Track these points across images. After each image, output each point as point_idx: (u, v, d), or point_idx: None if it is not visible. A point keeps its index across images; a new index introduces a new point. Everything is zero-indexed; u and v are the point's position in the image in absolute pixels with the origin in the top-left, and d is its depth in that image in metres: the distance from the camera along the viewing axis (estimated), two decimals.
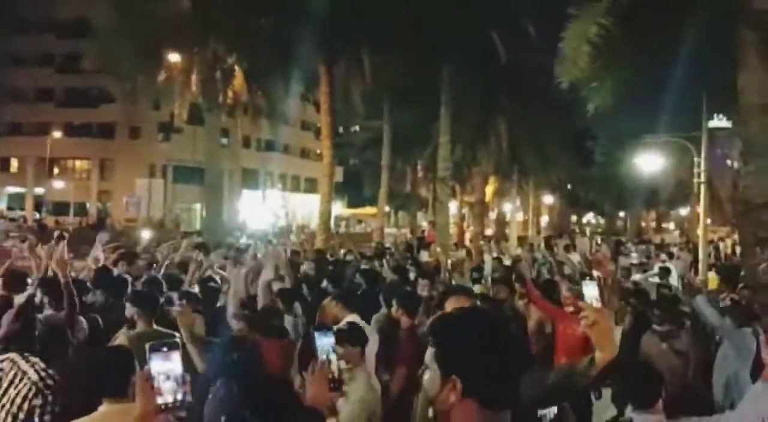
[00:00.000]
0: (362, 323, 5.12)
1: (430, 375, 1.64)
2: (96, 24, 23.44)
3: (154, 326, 4.60)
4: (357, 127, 42.49)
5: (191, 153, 38.76)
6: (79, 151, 48.91)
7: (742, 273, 9.16)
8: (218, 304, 6.32)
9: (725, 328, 5.21)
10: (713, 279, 11.68)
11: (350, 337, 3.97)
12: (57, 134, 47.01)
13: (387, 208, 35.04)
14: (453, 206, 35.36)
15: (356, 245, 16.37)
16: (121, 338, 4.48)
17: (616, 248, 18.97)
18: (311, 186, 54.36)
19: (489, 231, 39.24)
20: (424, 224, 42.20)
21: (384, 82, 21.82)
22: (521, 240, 31.84)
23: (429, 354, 1.75)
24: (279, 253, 7.35)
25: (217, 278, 7.50)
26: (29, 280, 6.15)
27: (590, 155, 42.21)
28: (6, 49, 48.67)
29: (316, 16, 17.74)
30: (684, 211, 44.18)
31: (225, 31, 20.79)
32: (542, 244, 16.60)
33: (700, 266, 16.11)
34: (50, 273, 6.39)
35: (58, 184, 47.65)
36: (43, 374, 3.27)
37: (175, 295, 5.58)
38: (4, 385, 3.22)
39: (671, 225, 58.23)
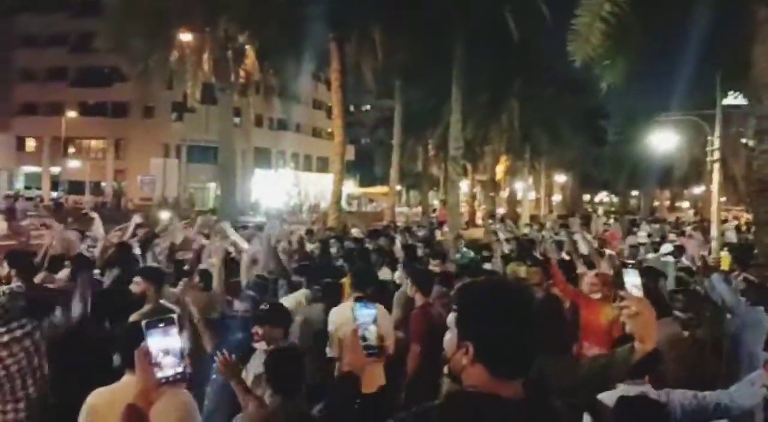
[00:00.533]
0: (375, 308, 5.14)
1: (449, 336, 1.68)
2: (107, 3, 23.44)
3: (162, 301, 4.72)
4: (368, 106, 42.52)
5: (204, 132, 38.96)
6: (94, 130, 49.25)
7: (755, 251, 9.17)
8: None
9: (740, 307, 5.21)
10: (725, 258, 11.66)
11: (271, 317, 3.92)
12: (72, 113, 47.31)
13: (398, 187, 35.12)
14: (464, 185, 35.39)
15: (368, 224, 16.51)
16: (134, 317, 4.60)
17: (629, 227, 18.93)
18: (323, 165, 54.45)
19: (500, 211, 39.21)
20: (436, 203, 42.28)
21: (395, 61, 21.77)
22: (533, 220, 31.84)
23: (452, 316, 1.81)
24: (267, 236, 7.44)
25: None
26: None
27: (603, 134, 41.89)
28: (18, 29, 48.87)
29: None
30: (698, 190, 43.77)
31: (236, 9, 20.76)
32: (548, 223, 16.63)
33: (713, 245, 16.06)
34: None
35: (74, 164, 48.10)
36: None
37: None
38: None
39: (685, 204, 57.79)
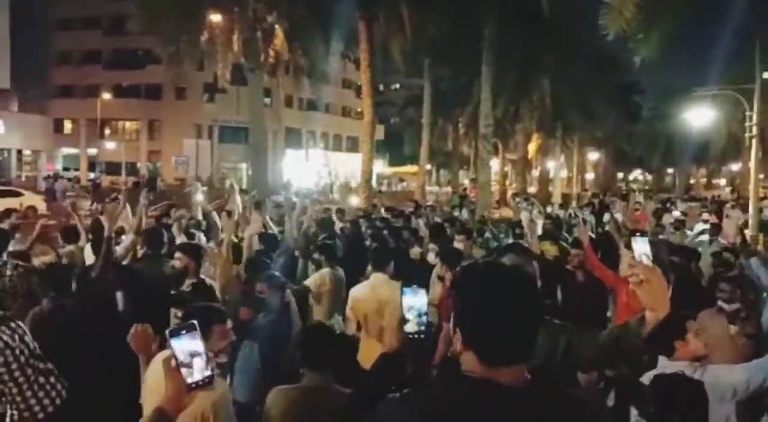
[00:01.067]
0: (391, 282, 5.14)
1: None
2: None
3: (202, 276, 4.88)
4: (397, 85, 42.32)
5: (235, 113, 39.28)
6: (128, 112, 50.14)
7: None
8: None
9: None
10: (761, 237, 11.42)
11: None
12: (107, 96, 48.22)
13: (428, 166, 35.08)
14: (495, 164, 35.13)
15: (397, 204, 16.56)
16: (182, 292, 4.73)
17: (663, 206, 18.59)
18: (353, 145, 54.55)
19: (532, 189, 38.89)
20: (466, 182, 42.12)
21: (424, 38, 21.58)
22: (565, 198, 31.55)
23: None
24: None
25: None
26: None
27: (637, 110, 40.96)
28: (54, 12, 49.76)
29: None
30: (735, 167, 42.63)
31: None
32: (573, 203, 16.41)
33: (750, 223, 15.72)
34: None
35: (110, 145, 49.12)
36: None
37: None
38: None
39: (722, 182, 56.42)
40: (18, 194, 23.85)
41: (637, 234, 2.02)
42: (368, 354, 4.89)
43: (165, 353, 2.79)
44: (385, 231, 8.51)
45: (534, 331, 1.54)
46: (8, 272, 4.42)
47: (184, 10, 20.88)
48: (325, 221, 9.58)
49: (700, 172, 55.10)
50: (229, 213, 7.82)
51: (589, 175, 51.76)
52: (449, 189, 38.43)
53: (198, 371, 1.71)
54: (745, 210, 16.96)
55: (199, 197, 8.76)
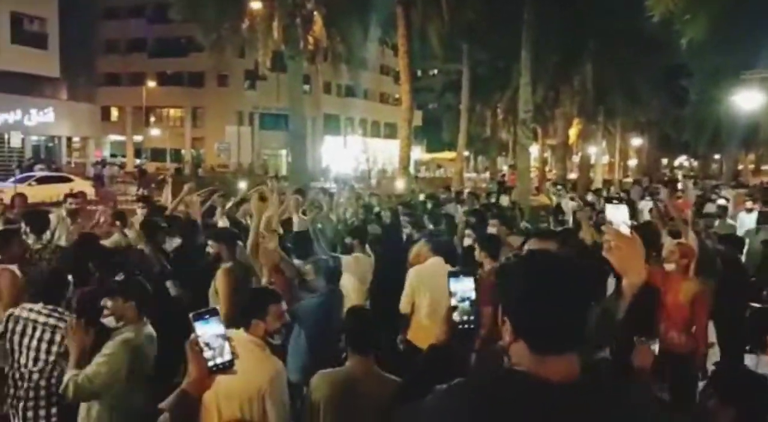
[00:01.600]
0: (446, 266, 5.32)
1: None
2: None
3: (237, 257, 5.10)
4: (435, 71, 42.11)
5: (276, 100, 39.80)
6: (172, 99, 51.25)
7: None
8: None
9: None
10: None
11: (124, 290, 3.56)
12: (151, 84, 49.38)
13: (466, 153, 34.90)
14: (534, 149, 34.71)
15: (436, 190, 16.57)
16: (219, 273, 4.92)
17: (707, 193, 18.10)
18: (391, 131, 54.60)
19: (572, 175, 38.34)
20: (505, 168, 41.77)
21: (462, 23, 21.41)
22: (607, 184, 31.06)
23: None
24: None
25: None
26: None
27: (683, 93, 39.74)
28: (100, 2, 50.98)
29: None
30: None
31: None
32: (612, 189, 16.04)
33: None
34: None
35: (155, 132, 50.38)
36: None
37: None
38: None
39: None
40: (68, 180, 24.74)
41: (614, 200, 1.90)
42: (418, 335, 5.12)
43: (257, 356, 2.98)
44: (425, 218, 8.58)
45: (585, 318, 1.50)
46: (47, 255, 4.61)
47: None
48: (367, 207, 9.74)
49: (748, 157, 53.23)
50: (262, 198, 8.04)
51: (632, 162, 50.68)
52: (487, 175, 38.20)
53: (220, 354, 1.75)
54: None
55: (241, 185, 8.91)
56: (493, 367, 1.71)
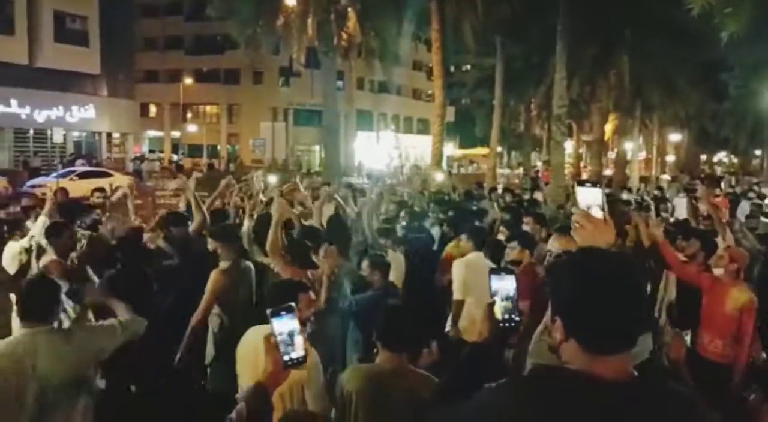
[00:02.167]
0: (487, 261, 5.45)
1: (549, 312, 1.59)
2: None
3: (237, 258, 4.97)
4: (468, 66, 41.87)
5: (309, 96, 40.17)
6: (209, 96, 52.09)
7: None
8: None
9: None
10: None
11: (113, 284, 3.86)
12: (188, 80, 50.28)
13: (499, 148, 34.69)
14: (569, 145, 34.30)
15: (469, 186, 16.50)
16: (212, 274, 4.77)
17: (746, 190, 17.70)
18: (424, 127, 54.53)
19: (608, 172, 37.76)
20: (539, 164, 41.36)
21: (496, 16, 21.28)
22: (643, 181, 30.53)
23: None
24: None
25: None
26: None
27: (723, 88, 38.75)
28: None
29: None
30: None
31: None
32: (643, 186, 15.70)
33: None
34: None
35: (192, 128, 51.28)
36: None
37: None
38: None
39: None
40: (108, 175, 25.41)
41: (587, 184, 1.90)
42: (467, 327, 5.23)
43: (261, 329, 3.14)
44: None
45: (639, 317, 1.48)
46: (83, 240, 4.81)
47: None
48: (401, 204, 9.81)
49: None
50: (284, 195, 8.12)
51: (670, 158, 49.64)
52: (521, 171, 37.85)
53: (294, 350, 1.83)
54: None
55: (271, 179, 8.81)
56: (543, 366, 1.67)
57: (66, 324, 3.38)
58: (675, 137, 44.83)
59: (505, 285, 2.02)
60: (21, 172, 28.26)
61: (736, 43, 18.59)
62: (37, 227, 5.06)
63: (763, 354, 5.05)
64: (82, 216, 6.30)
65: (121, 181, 24.82)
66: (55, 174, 24.68)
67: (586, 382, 1.40)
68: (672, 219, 9.71)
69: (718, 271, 4.75)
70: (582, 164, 38.95)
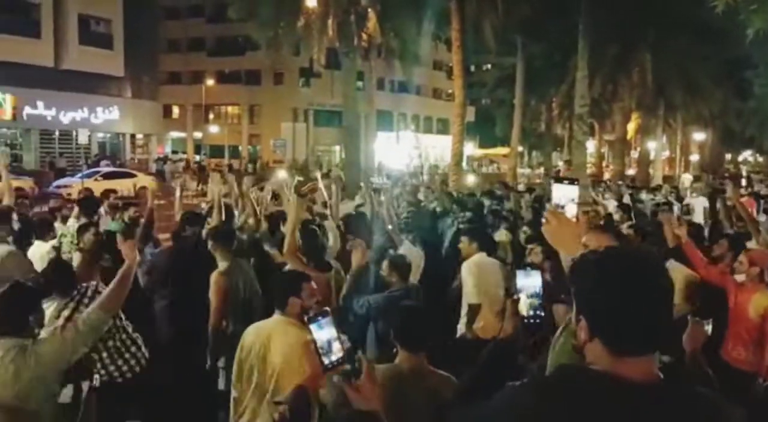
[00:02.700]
0: (491, 260, 5.46)
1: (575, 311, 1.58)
2: None
3: (234, 258, 5.00)
4: (489, 66, 41.79)
5: (330, 97, 40.31)
6: (230, 97, 52.59)
7: None
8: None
9: None
10: None
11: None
12: (210, 82, 50.79)
13: (520, 148, 34.51)
14: (591, 145, 34.02)
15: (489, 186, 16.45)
16: (212, 277, 4.82)
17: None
18: (444, 126, 54.41)
19: (630, 171, 37.36)
20: (560, 164, 41.05)
21: (516, 16, 21.18)
22: (666, 180, 30.17)
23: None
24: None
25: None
26: None
27: (748, 86, 38.09)
28: (162, 2, 52.66)
29: None
30: None
31: None
32: (664, 188, 15.40)
33: None
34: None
35: (214, 129, 51.83)
36: None
37: None
38: None
39: None
40: (132, 175, 25.78)
41: (565, 181, 1.97)
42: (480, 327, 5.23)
43: (260, 327, 3.27)
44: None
45: (667, 317, 1.44)
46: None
47: None
48: (414, 204, 9.81)
49: None
50: (303, 195, 8.13)
51: (694, 157, 48.93)
52: (542, 171, 37.63)
53: (333, 353, 1.87)
54: None
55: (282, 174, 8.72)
56: (567, 365, 1.65)
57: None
58: (699, 136, 44.19)
59: (531, 282, 2.01)
60: (47, 173, 28.84)
61: (761, 41, 18.27)
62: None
63: None
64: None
65: (144, 181, 25.23)
66: (80, 174, 25.11)
67: (611, 383, 1.37)
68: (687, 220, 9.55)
69: (740, 277, 4.59)
70: (604, 164, 38.59)
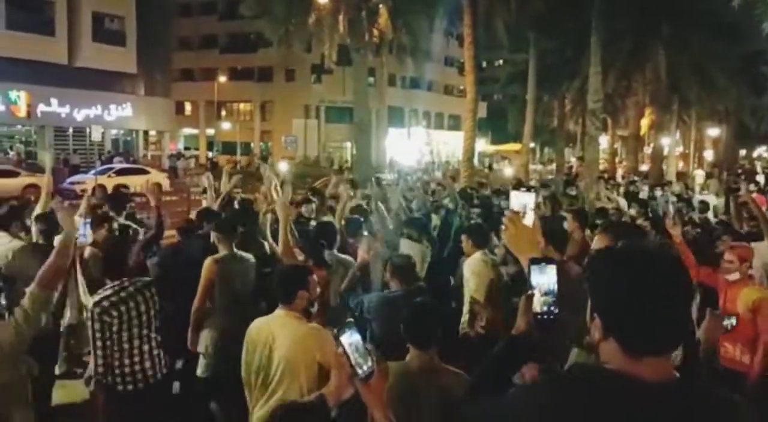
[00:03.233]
0: (489, 257, 5.39)
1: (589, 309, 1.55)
2: None
3: (235, 250, 5.06)
4: (501, 61, 41.59)
5: (341, 93, 40.37)
6: (242, 94, 52.75)
7: None
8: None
9: None
10: None
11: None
12: (222, 79, 50.97)
13: (532, 144, 34.27)
14: (604, 141, 33.77)
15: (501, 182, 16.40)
16: (209, 261, 4.90)
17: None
18: (455, 123, 54.26)
19: (644, 167, 37.07)
20: (572, 160, 40.82)
21: (529, 11, 21.05)
22: (680, 177, 29.93)
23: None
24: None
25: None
26: None
27: (764, 81, 37.63)
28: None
29: None
30: None
31: None
32: (675, 185, 15.19)
33: None
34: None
35: (226, 126, 52.04)
36: None
37: None
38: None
39: None
40: (145, 172, 25.97)
41: (522, 188, 2.13)
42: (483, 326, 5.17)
43: (302, 326, 3.30)
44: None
45: (684, 318, 1.41)
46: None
47: None
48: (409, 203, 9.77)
49: None
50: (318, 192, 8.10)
51: (708, 153, 48.46)
52: (554, 167, 37.43)
53: (365, 362, 1.88)
54: None
55: (283, 167, 8.66)
56: (581, 364, 1.65)
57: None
58: (713, 132, 43.73)
59: (546, 278, 1.98)
60: (61, 169, 29.06)
61: None
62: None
63: None
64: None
65: (157, 177, 25.40)
66: (93, 171, 25.30)
67: (625, 383, 1.35)
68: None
69: (733, 276, 4.43)
70: (617, 159, 38.32)
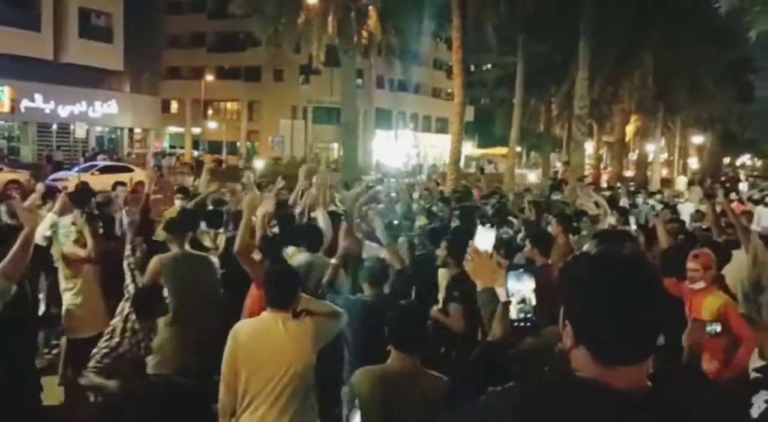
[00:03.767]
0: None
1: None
2: None
3: (187, 248, 4.86)
4: (489, 65, 41.74)
5: (329, 94, 40.26)
6: (230, 93, 52.45)
7: None
8: None
9: None
10: None
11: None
12: (210, 77, 50.63)
13: (518, 148, 34.45)
14: (590, 146, 33.98)
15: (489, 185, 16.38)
16: (154, 260, 4.69)
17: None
18: (442, 126, 54.38)
19: (628, 173, 37.37)
20: (558, 165, 41.03)
21: (518, 15, 21.10)
22: (664, 183, 30.21)
23: None
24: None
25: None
26: None
27: (749, 89, 38.07)
28: None
29: None
30: None
31: None
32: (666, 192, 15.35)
33: None
34: None
35: (212, 125, 51.68)
36: None
37: None
38: None
39: None
40: (129, 170, 25.68)
41: (487, 224, 2.40)
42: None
43: (298, 326, 3.33)
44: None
45: (658, 327, 1.37)
46: (137, 254, 4.83)
47: None
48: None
49: None
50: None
51: (693, 160, 48.99)
52: (539, 171, 37.62)
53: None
54: None
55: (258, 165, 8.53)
56: (552, 372, 1.61)
57: None
58: (698, 139, 44.25)
59: (524, 285, 2.00)
60: (44, 166, 28.72)
61: (765, 43, 18.25)
62: (45, 223, 5.04)
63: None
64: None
65: (141, 175, 25.14)
66: (76, 168, 25.01)
67: (596, 391, 1.30)
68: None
69: (698, 285, 4.30)
70: (602, 166, 38.57)
